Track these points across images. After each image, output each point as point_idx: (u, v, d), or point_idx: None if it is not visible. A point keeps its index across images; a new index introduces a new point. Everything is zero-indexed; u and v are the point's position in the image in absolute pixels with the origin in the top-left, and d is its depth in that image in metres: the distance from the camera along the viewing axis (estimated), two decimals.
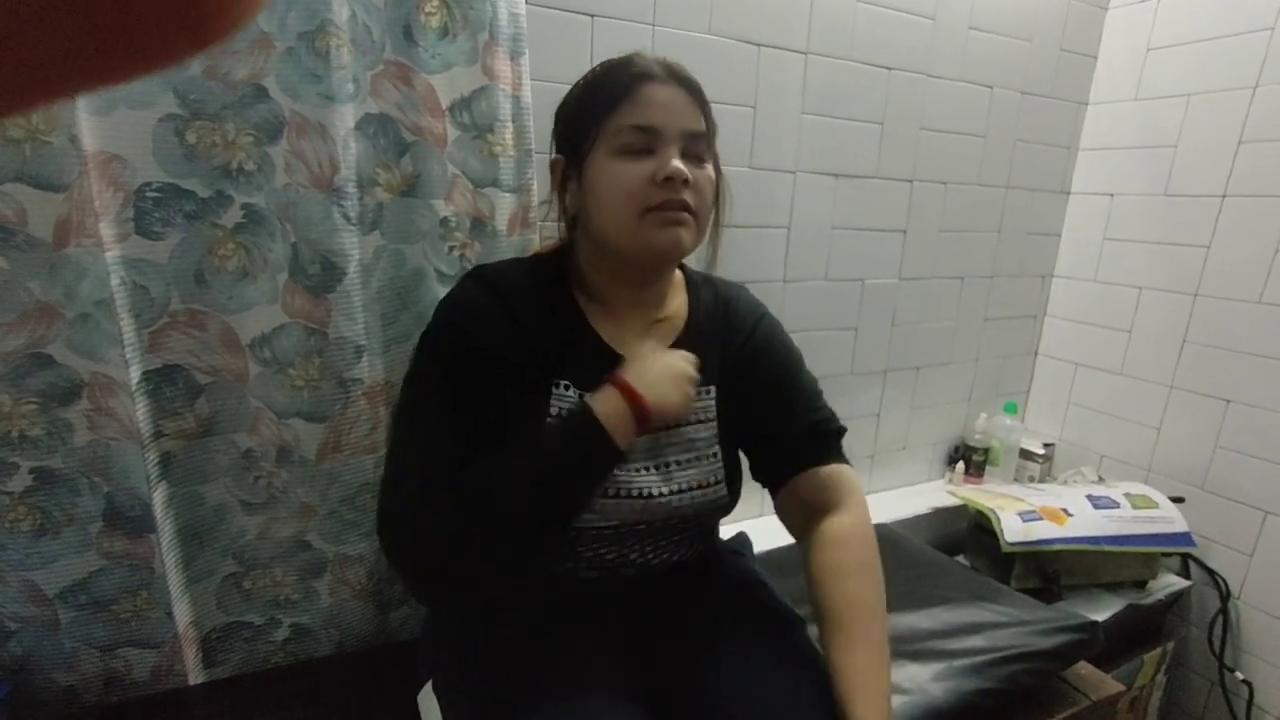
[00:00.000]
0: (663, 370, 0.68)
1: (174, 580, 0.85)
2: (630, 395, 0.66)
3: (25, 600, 0.79)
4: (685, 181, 0.68)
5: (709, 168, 0.72)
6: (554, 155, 0.76)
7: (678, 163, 0.68)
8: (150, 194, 0.76)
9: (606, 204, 0.69)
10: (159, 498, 0.82)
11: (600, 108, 0.69)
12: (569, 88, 0.77)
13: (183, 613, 0.87)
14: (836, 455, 0.80)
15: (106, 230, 0.73)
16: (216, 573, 0.91)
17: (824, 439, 0.80)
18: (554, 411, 0.71)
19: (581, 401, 0.67)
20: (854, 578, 0.72)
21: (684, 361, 0.70)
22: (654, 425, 0.68)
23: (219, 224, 0.80)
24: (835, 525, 0.75)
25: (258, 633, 0.95)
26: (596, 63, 0.76)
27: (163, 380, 0.82)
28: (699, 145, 0.71)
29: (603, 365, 0.72)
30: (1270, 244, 1.34)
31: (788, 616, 0.81)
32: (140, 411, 0.79)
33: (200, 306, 0.82)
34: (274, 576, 0.93)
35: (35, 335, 0.73)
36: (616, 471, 0.71)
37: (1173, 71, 1.46)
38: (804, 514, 0.78)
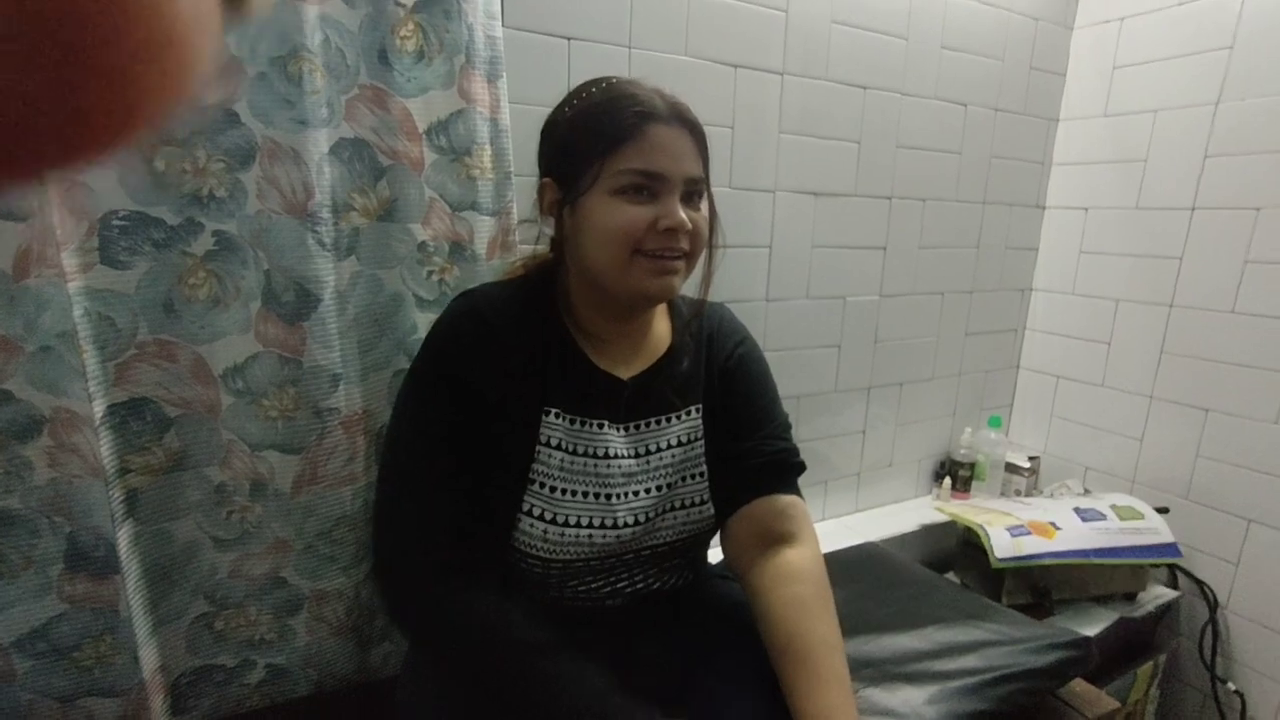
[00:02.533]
0: None
1: (140, 623, 0.81)
2: None
3: None
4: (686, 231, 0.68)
5: (705, 206, 0.72)
6: (542, 177, 0.74)
7: (681, 214, 0.67)
8: (116, 222, 0.74)
9: (601, 242, 0.68)
10: (124, 536, 0.79)
11: (602, 144, 0.67)
12: (557, 106, 0.75)
13: (150, 657, 0.83)
14: (793, 487, 0.80)
15: (69, 260, 0.71)
16: (186, 613, 0.87)
17: (784, 469, 0.80)
18: (544, 440, 0.70)
19: None
20: (816, 614, 0.70)
21: None
22: None
23: (189, 252, 0.78)
24: (794, 558, 0.74)
25: (231, 675, 0.91)
26: (585, 81, 0.74)
27: (129, 414, 0.79)
28: (698, 186, 0.70)
29: (595, 390, 0.71)
30: (1239, 255, 1.37)
31: None
32: (105, 447, 0.76)
33: (169, 337, 0.79)
34: (248, 615, 0.90)
35: None
36: (611, 504, 0.70)
37: (1139, 88, 1.50)
38: (757, 542, 0.77)
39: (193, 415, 0.82)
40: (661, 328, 0.81)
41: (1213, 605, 1.43)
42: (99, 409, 0.75)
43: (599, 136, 0.67)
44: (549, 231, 0.76)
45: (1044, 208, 1.70)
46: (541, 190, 0.74)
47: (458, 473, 0.66)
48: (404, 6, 0.84)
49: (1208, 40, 1.38)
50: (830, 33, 1.27)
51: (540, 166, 0.76)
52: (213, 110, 0.76)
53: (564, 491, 0.70)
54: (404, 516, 0.66)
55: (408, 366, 0.92)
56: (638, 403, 0.75)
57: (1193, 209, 1.43)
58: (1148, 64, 1.48)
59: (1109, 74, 1.55)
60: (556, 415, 0.70)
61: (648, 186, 0.67)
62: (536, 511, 0.70)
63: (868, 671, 0.94)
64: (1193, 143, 1.42)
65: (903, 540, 1.49)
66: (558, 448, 0.70)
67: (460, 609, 0.64)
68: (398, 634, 1.00)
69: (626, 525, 0.72)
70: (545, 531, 0.70)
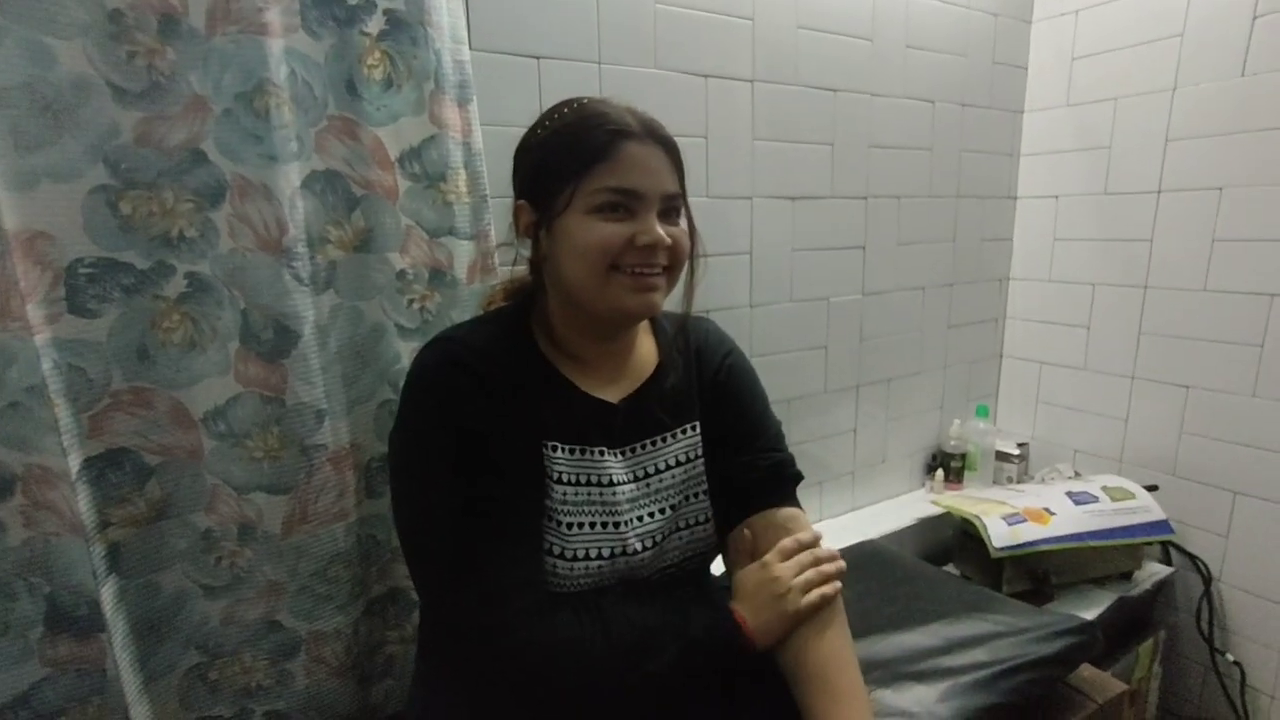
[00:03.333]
0: (752, 591, 0.71)
1: (130, 681, 0.78)
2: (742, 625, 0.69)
3: None
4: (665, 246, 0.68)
5: (683, 220, 0.72)
6: (516, 200, 0.74)
7: (659, 230, 0.67)
8: (83, 270, 0.72)
9: (578, 260, 0.67)
10: (108, 593, 0.76)
11: (576, 164, 0.66)
12: (529, 128, 0.75)
13: (141, 715, 0.80)
14: (791, 499, 0.80)
15: (35, 312, 0.69)
16: (178, 666, 0.84)
17: (781, 482, 0.80)
18: (550, 475, 0.69)
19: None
20: (822, 630, 0.70)
21: (763, 567, 0.72)
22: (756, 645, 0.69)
23: (161, 295, 0.76)
24: None
25: None
26: (556, 101, 0.74)
27: (107, 465, 0.76)
28: (675, 202, 0.70)
29: (586, 416, 0.70)
30: (1206, 234, 1.40)
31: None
32: (83, 501, 0.73)
33: (145, 383, 0.77)
34: (243, 663, 0.87)
35: None
36: (621, 531, 0.70)
37: (1098, 77, 1.53)
38: (756, 558, 0.76)
39: (174, 462, 0.80)
40: (646, 346, 0.80)
41: (1206, 579, 1.45)
42: (74, 463, 0.72)
43: (573, 157, 0.67)
44: (526, 254, 0.76)
45: (1016, 198, 1.73)
46: (517, 213, 0.74)
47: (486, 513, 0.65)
48: (369, 35, 0.83)
49: (1159, 29, 1.41)
50: (797, 38, 1.28)
51: (515, 189, 0.75)
52: (178, 150, 0.74)
53: (570, 525, 0.69)
54: (471, 574, 0.64)
55: (393, 397, 0.91)
56: (631, 425, 0.74)
57: (1158, 192, 1.46)
58: (1105, 54, 1.51)
59: (1069, 65, 1.58)
60: (554, 448, 0.69)
61: (624, 204, 0.66)
62: (546, 547, 0.69)
63: (878, 673, 0.94)
64: (1153, 128, 1.45)
65: (900, 535, 1.50)
66: (560, 481, 0.69)
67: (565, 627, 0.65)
68: (399, 669, 0.98)
69: (637, 552, 0.71)
70: (555, 565, 0.69)
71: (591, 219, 0.66)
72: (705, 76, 1.20)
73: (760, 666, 0.72)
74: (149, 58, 0.71)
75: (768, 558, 0.72)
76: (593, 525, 0.70)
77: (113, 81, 0.70)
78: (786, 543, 0.73)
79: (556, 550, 0.68)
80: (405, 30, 0.84)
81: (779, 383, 1.38)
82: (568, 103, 0.72)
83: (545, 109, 0.75)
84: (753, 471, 0.78)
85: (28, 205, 0.68)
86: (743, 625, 0.68)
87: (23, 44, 0.66)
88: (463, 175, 0.91)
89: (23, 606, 0.72)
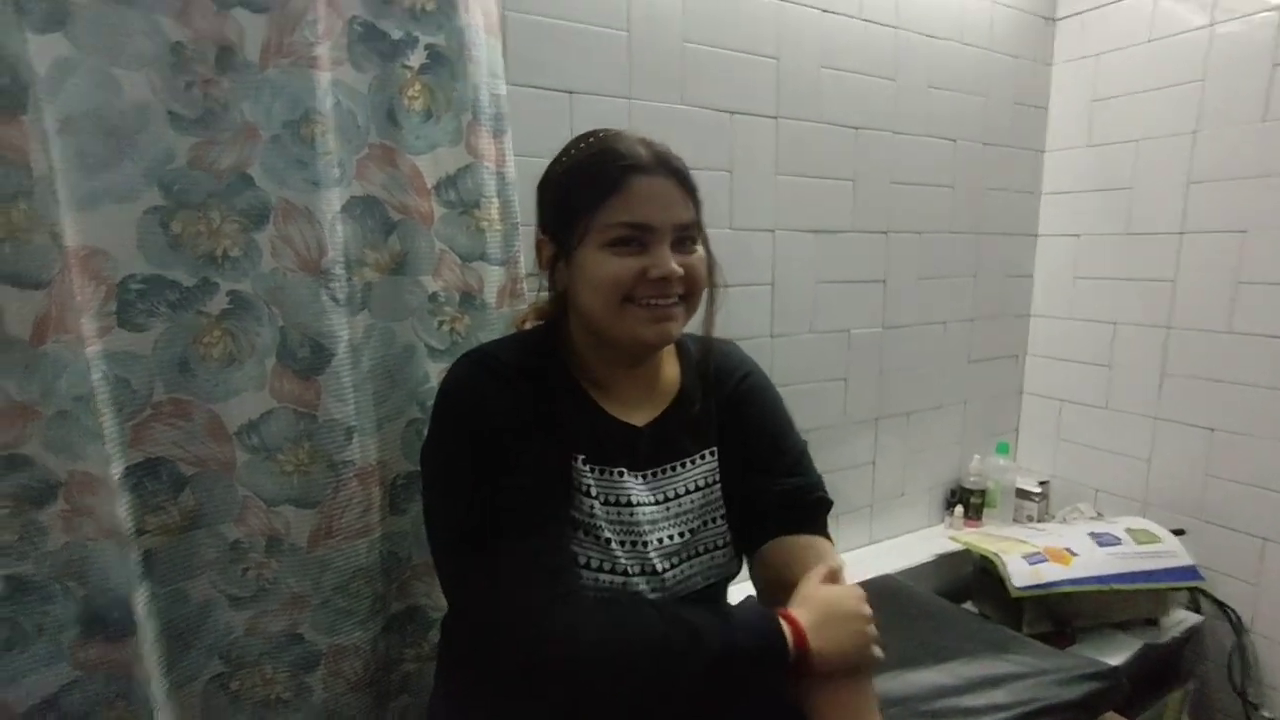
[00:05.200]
0: (832, 612, 0.67)
1: (156, 687, 0.79)
2: (798, 635, 0.64)
3: None
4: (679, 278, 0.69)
5: (699, 248, 0.73)
6: (540, 233, 0.76)
7: (671, 263, 0.67)
8: (134, 286, 0.75)
9: (594, 293, 0.69)
10: (140, 598, 0.78)
11: (589, 199, 0.68)
12: (551, 162, 0.77)
13: None
14: (812, 525, 0.78)
15: (88, 325, 0.72)
16: (201, 675, 0.85)
17: (802, 506, 0.78)
18: (584, 489, 0.70)
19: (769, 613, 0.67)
20: (845, 688, 0.68)
21: (857, 601, 0.68)
22: (813, 667, 0.65)
23: (204, 311, 0.79)
24: None
25: None
26: (576, 135, 0.76)
27: (145, 474, 0.79)
28: (689, 232, 0.71)
29: (611, 438, 0.71)
30: (1230, 276, 1.39)
31: None
32: (121, 508, 0.75)
33: (184, 395, 0.80)
34: (264, 674, 0.88)
35: (10, 436, 0.70)
36: (645, 550, 0.70)
37: (1120, 120, 1.55)
38: (773, 586, 0.75)
39: (208, 473, 0.82)
40: (670, 370, 0.81)
41: (1238, 628, 1.41)
42: (116, 470, 0.75)
43: (586, 192, 0.68)
44: (542, 282, 0.78)
45: (1037, 235, 1.74)
46: (539, 247, 0.75)
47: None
48: (411, 68, 0.87)
49: (1180, 73, 1.43)
50: (820, 77, 1.32)
51: (538, 222, 0.77)
52: (228, 174, 0.78)
53: (609, 540, 0.70)
54: (500, 574, 0.64)
55: (420, 416, 0.93)
56: (654, 449, 0.75)
57: (1181, 233, 1.46)
58: (1126, 96, 1.53)
59: (1089, 107, 1.60)
60: (585, 462, 0.71)
61: (636, 238, 0.68)
62: (584, 561, 0.69)
63: (894, 710, 0.92)
64: (1176, 170, 1.45)
65: (918, 571, 1.48)
66: (588, 495, 0.70)
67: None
68: (415, 686, 0.98)
69: (655, 573, 0.71)
70: (596, 579, 0.69)
71: (604, 253, 0.67)
72: (731, 113, 1.23)
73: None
74: (205, 87, 0.76)
75: (853, 588, 0.71)
76: (624, 543, 0.71)
77: (171, 109, 0.74)
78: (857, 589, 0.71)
79: (595, 564, 0.69)
80: (445, 64, 0.89)
81: (798, 413, 1.35)
82: (585, 136, 0.74)
83: (566, 144, 0.76)
84: (770, 495, 0.78)
85: (88, 224, 0.72)
86: (795, 625, 0.65)
87: (93, 74, 0.70)
88: (495, 203, 0.94)
89: (58, 609, 0.74)
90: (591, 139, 0.73)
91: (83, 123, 0.70)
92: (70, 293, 0.70)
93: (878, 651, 0.68)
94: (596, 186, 0.68)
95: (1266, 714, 1.39)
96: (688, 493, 0.76)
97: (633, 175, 0.67)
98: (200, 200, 0.77)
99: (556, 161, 0.75)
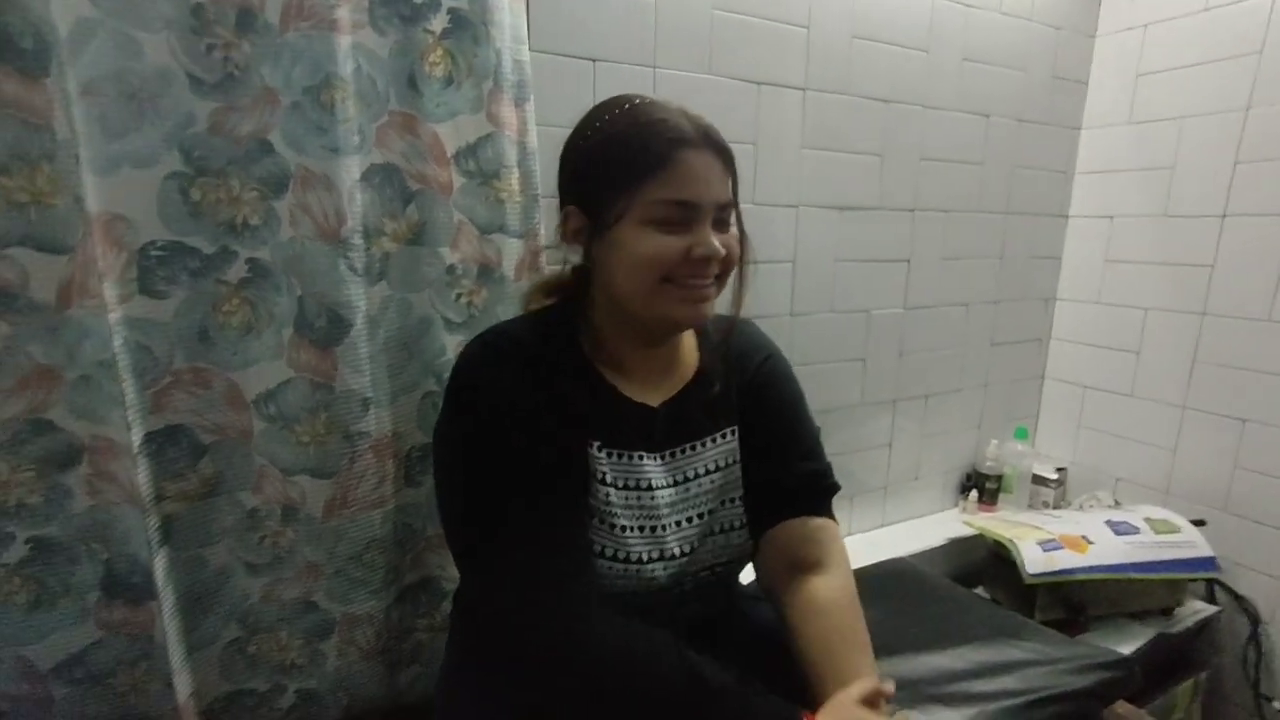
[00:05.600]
0: None
1: (175, 649, 0.81)
2: None
3: (17, 678, 0.75)
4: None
5: (733, 226, 0.71)
6: (564, 204, 0.72)
7: (714, 242, 0.66)
8: (154, 252, 0.75)
9: (631, 271, 0.67)
10: (160, 563, 0.79)
11: (633, 174, 0.65)
12: (575, 131, 0.73)
13: (183, 683, 0.83)
14: (825, 510, 0.79)
15: (110, 290, 0.72)
16: (219, 639, 0.87)
17: (816, 491, 0.79)
18: (599, 476, 0.69)
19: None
20: (845, 653, 0.69)
21: None
22: None
23: (224, 280, 0.79)
24: (822, 588, 0.74)
25: (262, 700, 0.91)
26: (601, 103, 0.72)
27: (166, 441, 0.79)
28: (727, 210, 0.69)
29: (626, 420, 0.70)
30: (1275, 262, 1.34)
31: None
32: (142, 474, 0.76)
33: (204, 364, 0.80)
34: (279, 640, 0.90)
35: (35, 400, 0.71)
36: (660, 535, 0.70)
37: (1165, 95, 1.48)
38: (785, 568, 0.75)
39: (226, 441, 0.82)
40: (689, 350, 0.80)
41: (1255, 621, 1.39)
42: (137, 437, 0.75)
43: (629, 166, 0.65)
44: (574, 260, 0.75)
45: (1068, 217, 1.69)
46: (565, 218, 0.72)
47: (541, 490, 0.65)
48: (432, 33, 0.85)
49: (1236, 45, 1.36)
50: (851, 47, 1.27)
51: (562, 193, 0.74)
52: (247, 140, 0.77)
53: (622, 528, 0.70)
54: (513, 559, 0.63)
55: (436, 389, 0.93)
56: (671, 430, 0.75)
57: (1224, 216, 1.41)
58: (1173, 70, 1.46)
59: (1133, 81, 1.53)
60: (599, 449, 0.70)
61: (681, 217, 0.65)
62: (598, 549, 0.69)
63: (903, 693, 0.92)
64: (1222, 149, 1.39)
65: (930, 555, 1.47)
66: (604, 482, 0.70)
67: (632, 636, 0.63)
68: (427, 656, 1.00)
69: (674, 557, 0.71)
70: (609, 568, 0.69)
71: (647, 231, 0.65)
72: (758, 84, 1.19)
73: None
74: (225, 50, 0.74)
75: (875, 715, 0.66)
76: (639, 529, 0.71)
77: (192, 73, 0.73)
78: (887, 688, 0.69)
79: (609, 552, 0.69)
80: (468, 29, 0.86)
81: (815, 393, 1.35)
82: (616, 103, 0.70)
83: (588, 111, 0.72)
84: (787, 479, 0.77)
85: (109, 189, 0.71)
86: None
87: (114, 36, 0.69)
88: (516, 174, 0.92)
89: (83, 571, 0.75)
90: (627, 105, 0.69)
91: (104, 86, 0.69)
92: (93, 258, 0.70)
93: None
94: (641, 160, 0.64)
95: (1278, 706, 1.38)
96: (707, 473, 0.75)
97: (680, 150, 0.64)
98: (220, 167, 0.76)
99: (585, 129, 0.71)
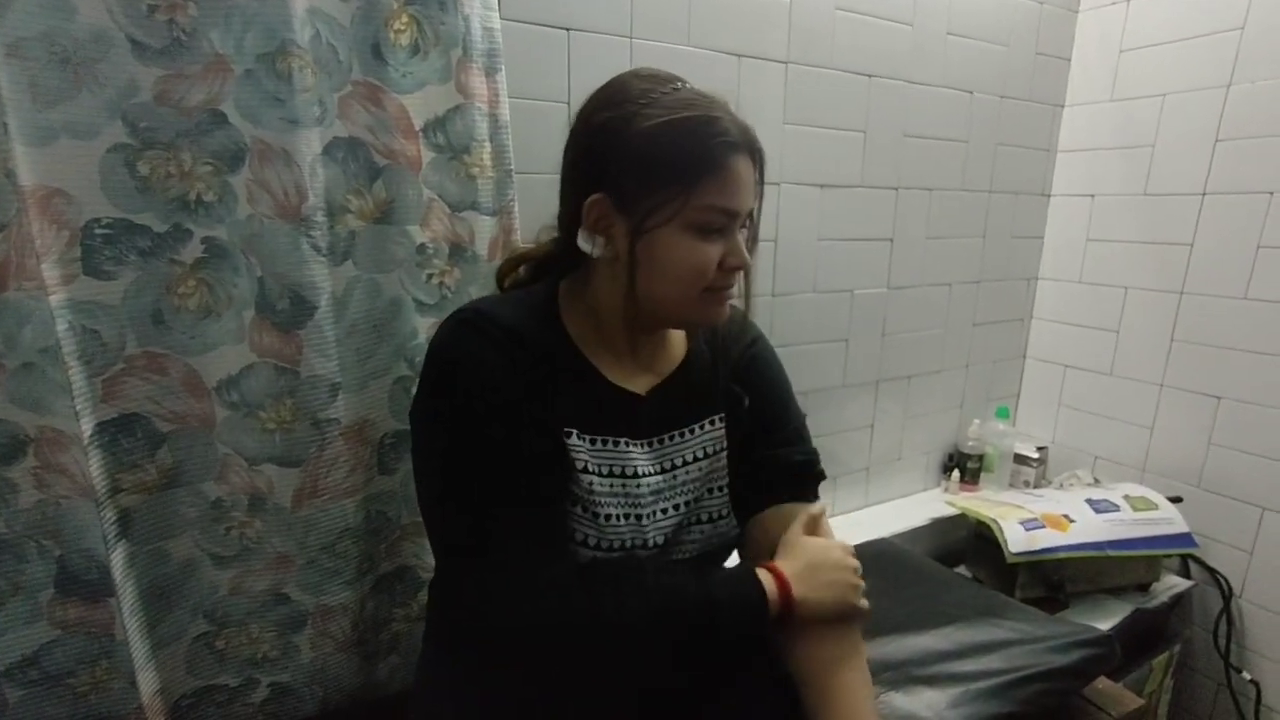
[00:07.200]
0: (816, 560, 0.67)
1: (138, 646, 0.78)
2: (781, 585, 0.64)
3: None
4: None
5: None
6: (588, 190, 0.64)
7: (745, 253, 0.66)
8: (99, 231, 0.70)
9: (673, 279, 0.64)
10: (118, 558, 0.76)
11: (688, 175, 0.60)
12: (614, 112, 0.63)
13: (148, 681, 0.80)
14: (812, 496, 0.78)
15: (50, 271, 0.67)
16: (186, 634, 0.84)
17: (802, 477, 0.78)
18: (580, 466, 0.66)
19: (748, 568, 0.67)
20: (828, 640, 0.68)
21: (842, 552, 0.68)
22: (797, 617, 0.65)
23: (178, 260, 0.75)
24: None
25: (233, 695, 0.88)
26: (635, 78, 0.65)
27: (119, 430, 0.75)
28: (752, 215, 0.68)
29: (608, 406, 0.68)
30: (1252, 240, 1.35)
31: None
32: (94, 466, 0.72)
33: (159, 349, 0.76)
34: (250, 634, 0.87)
35: None
36: (642, 524, 0.68)
37: (1146, 72, 1.47)
38: (771, 551, 0.73)
39: (186, 430, 0.79)
40: (677, 337, 0.78)
41: (1226, 594, 1.42)
42: (87, 427, 0.71)
43: (684, 167, 0.61)
44: (592, 251, 0.66)
45: (1049, 195, 1.68)
46: (589, 206, 0.64)
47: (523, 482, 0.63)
48: None
49: (1218, 21, 1.35)
50: (834, 20, 1.24)
51: (580, 175, 0.66)
52: (198, 111, 0.72)
53: (605, 517, 0.67)
54: (490, 547, 0.61)
55: (409, 373, 0.90)
56: (656, 417, 0.72)
57: (1203, 194, 1.41)
58: (1156, 47, 1.45)
59: (1115, 58, 1.52)
60: (576, 436, 0.67)
61: (721, 223, 0.63)
62: (580, 538, 0.67)
63: (888, 675, 0.92)
64: (1203, 127, 1.39)
65: (913, 535, 1.47)
66: (586, 471, 0.67)
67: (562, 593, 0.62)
68: (405, 647, 0.98)
69: (656, 545, 0.69)
70: (591, 557, 0.67)
71: (689, 236, 0.62)
72: (738, 56, 1.16)
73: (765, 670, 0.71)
74: (170, 12, 0.69)
75: (839, 540, 0.71)
76: (624, 517, 0.69)
77: (133, 36, 0.68)
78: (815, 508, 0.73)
79: (592, 541, 0.67)
80: None
81: (797, 374, 1.33)
82: (657, 83, 0.64)
83: (620, 85, 0.65)
84: (773, 465, 0.76)
85: (45, 162, 0.66)
86: (777, 574, 0.65)
87: None
88: (488, 148, 0.88)
89: (33, 568, 0.72)
90: (672, 90, 0.63)
91: (32, 48, 0.64)
92: (29, 236, 0.65)
93: (864, 602, 0.68)
94: (695, 163, 0.61)
95: (1248, 675, 1.41)
96: (694, 460, 0.73)
97: (732, 155, 0.62)
98: (169, 139, 0.72)
99: (628, 111, 0.62)
